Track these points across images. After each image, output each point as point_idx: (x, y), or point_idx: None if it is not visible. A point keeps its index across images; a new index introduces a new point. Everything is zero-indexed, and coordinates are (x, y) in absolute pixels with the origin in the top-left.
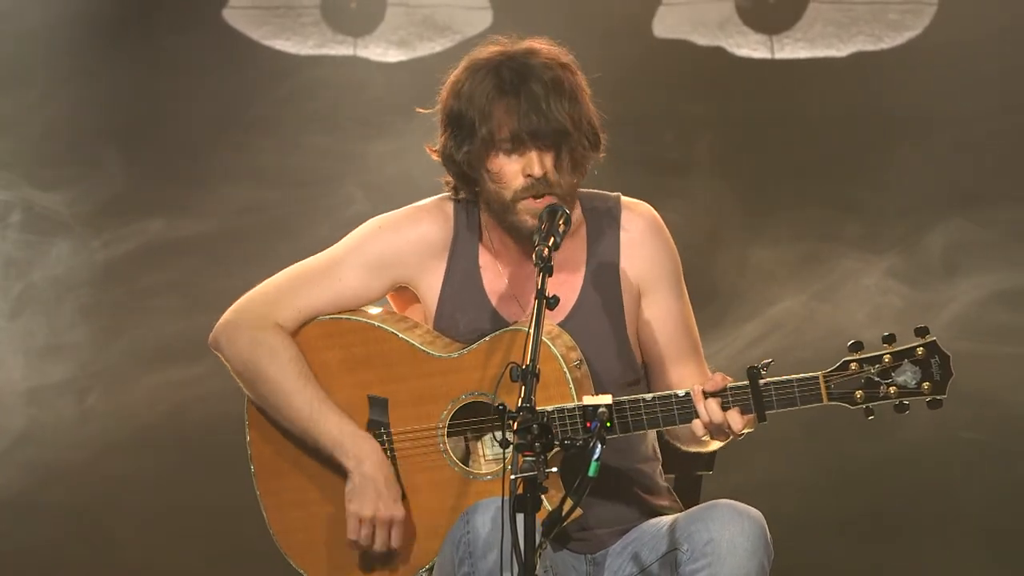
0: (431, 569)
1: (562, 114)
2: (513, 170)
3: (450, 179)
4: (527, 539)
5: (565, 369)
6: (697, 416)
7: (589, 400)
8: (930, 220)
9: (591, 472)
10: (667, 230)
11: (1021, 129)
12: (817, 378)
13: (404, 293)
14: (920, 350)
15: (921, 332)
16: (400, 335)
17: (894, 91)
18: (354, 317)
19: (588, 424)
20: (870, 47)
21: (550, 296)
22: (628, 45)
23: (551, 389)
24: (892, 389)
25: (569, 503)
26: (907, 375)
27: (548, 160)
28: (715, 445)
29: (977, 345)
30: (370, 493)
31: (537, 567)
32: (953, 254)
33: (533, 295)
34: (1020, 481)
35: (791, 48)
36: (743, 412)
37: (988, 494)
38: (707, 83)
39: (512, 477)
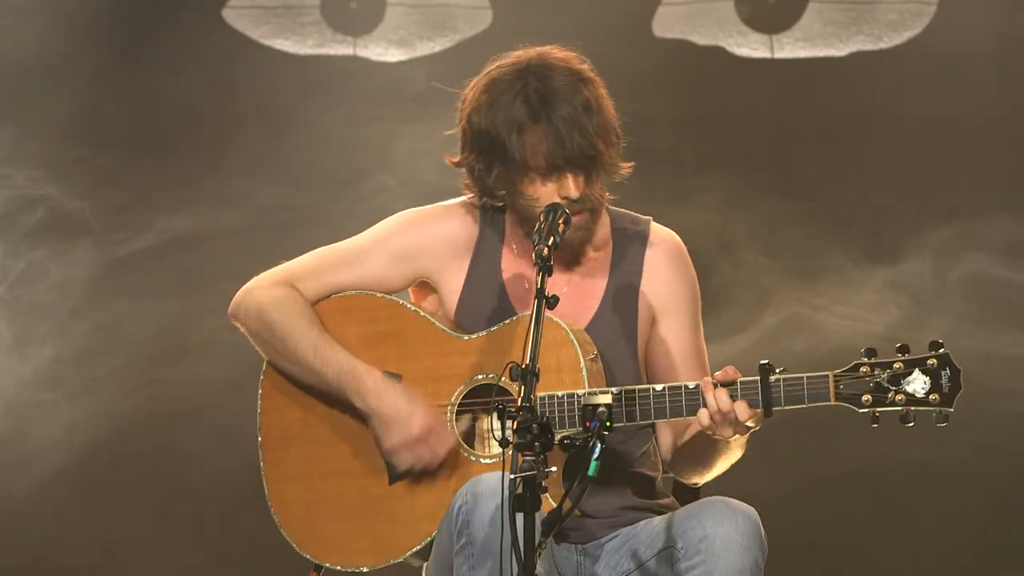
0: (429, 545)
1: (593, 136)
2: (548, 191)
3: (469, 183)
4: (526, 538)
5: (580, 357)
6: (705, 405)
7: (589, 400)
8: (929, 221)
9: (590, 471)
10: (690, 261)
11: (1021, 129)
12: (827, 377)
13: (424, 288)
14: (932, 360)
15: (935, 346)
16: (422, 313)
17: (894, 91)
18: (377, 294)
19: (588, 424)
20: (870, 47)
21: (549, 295)
22: (628, 45)
23: (564, 375)
24: (900, 397)
25: (569, 502)
26: (916, 384)
27: (582, 180)
28: (718, 469)
29: (974, 345)
30: (380, 427)
31: (537, 567)
32: (951, 256)
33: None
34: (1017, 482)
35: (791, 48)
36: (751, 406)
37: (985, 495)
38: (707, 83)
39: (511, 477)
